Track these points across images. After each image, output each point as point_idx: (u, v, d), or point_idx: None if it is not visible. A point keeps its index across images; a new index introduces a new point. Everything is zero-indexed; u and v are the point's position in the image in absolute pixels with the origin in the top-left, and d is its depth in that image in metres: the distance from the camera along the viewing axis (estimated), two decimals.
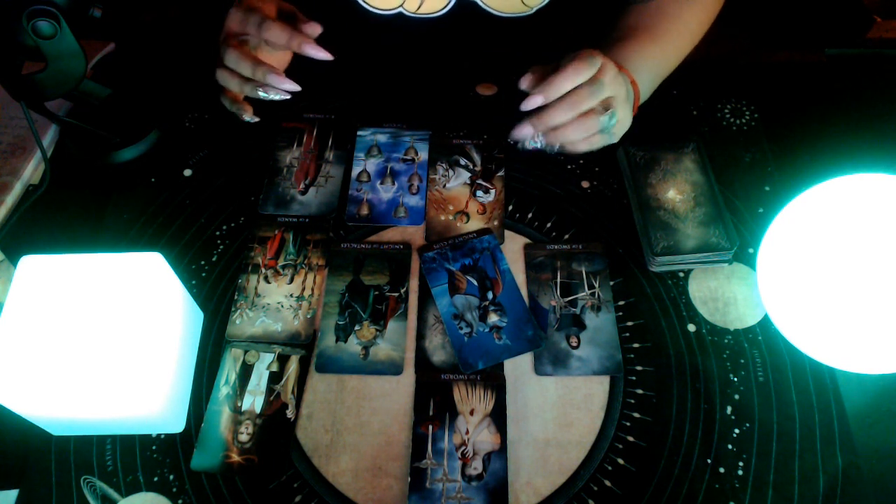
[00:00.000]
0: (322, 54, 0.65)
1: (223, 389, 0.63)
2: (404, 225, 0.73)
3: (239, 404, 0.62)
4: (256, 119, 0.71)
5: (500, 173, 0.76)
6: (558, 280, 0.69)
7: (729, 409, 0.62)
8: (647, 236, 0.69)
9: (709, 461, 0.59)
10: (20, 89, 0.68)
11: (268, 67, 0.65)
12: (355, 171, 0.77)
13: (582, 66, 0.63)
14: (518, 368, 0.64)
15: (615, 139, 0.70)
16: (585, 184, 0.76)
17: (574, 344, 0.65)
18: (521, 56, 0.70)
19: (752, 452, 0.59)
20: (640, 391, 0.63)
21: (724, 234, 0.68)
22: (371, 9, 0.76)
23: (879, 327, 0.57)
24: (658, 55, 0.74)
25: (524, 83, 0.65)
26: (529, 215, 0.74)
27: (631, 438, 0.61)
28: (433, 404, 0.62)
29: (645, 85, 0.73)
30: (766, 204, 0.73)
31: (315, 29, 0.66)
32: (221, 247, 0.72)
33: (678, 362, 0.64)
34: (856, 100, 0.83)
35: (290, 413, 0.62)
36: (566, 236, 0.72)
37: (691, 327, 0.66)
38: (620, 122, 0.68)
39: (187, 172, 0.77)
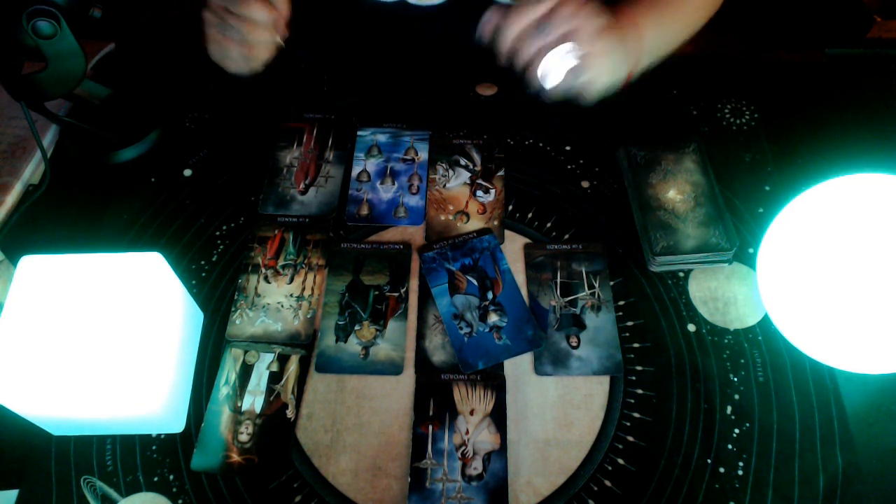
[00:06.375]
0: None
1: (223, 389, 0.63)
2: (404, 225, 0.73)
3: (239, 404, 0.62)
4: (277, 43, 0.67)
5: (500, 173, 0.76)
6: (558, 280, 0.69)
7: (729, 409, 0.62)
8: (647, 236, 0.69)
9: (709, 461, 0.59)
10: (20, 89, 0.68)
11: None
12: (355, 171, 0.77)
13: (521, 12, 0.60)
14: (518, 368, 0.64)
15: (591, 91, 0.64)
16: (585, 184, 0.76)
17: (574, 344, 0.65)
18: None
19: (752, 452, 0.59)
20: (640, 391, 0.63)
21: (724, 235, 0.68)
22: None
23: (879, 327, 0.57)
24: (668, 19, 0.70)
25: (484, 27, 0.63)
26: (529, 215, 0.74)
27: (631, 438, 0.61)
28: (433, 404, 0.62)
29: (649, 41, 0.67)
30: (766, 204, 0.73)
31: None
32: (221, 247, 0.72)
33: (678, 362, 0.64)
34: (856, 100, 0.83)
35: (290, 413, 0.62)
36: (566, 236, 0.72)
37: (691, 327, 0.66)
38: (594, 58, 0.61)
39: (187, 172, 0.77)
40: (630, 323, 0.67)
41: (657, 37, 0.70)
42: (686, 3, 0.73)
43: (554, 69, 0.61)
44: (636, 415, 0.62)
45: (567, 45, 0.60)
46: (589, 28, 0.61)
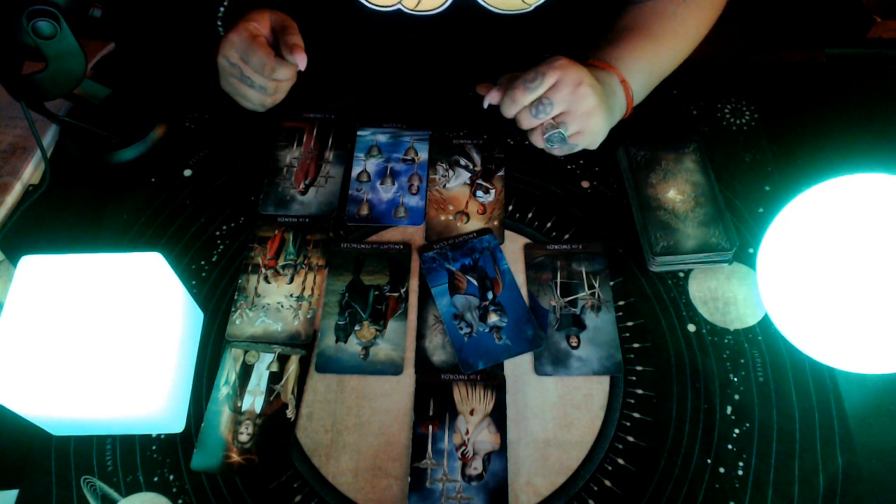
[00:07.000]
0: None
1: (223, 389, 0.63)
2: (404, 225, 0.73)
3: (239, 404, 0.62)
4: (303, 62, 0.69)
5: (500, 173, 0.76)
6: (558, 280, 0.69)
7: (729, 409, 0.62)
8: (647, 236, 0.69)
9: (709, 461, 0.59)
10: (20, 89, 0.68)
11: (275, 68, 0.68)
12: (355, 171, 0.77)
13: (517, 94, 0.66)
14: (518, 368, 0.64)
15: (591, 147, 0.71)
16: (585, 184, 0.76)
17: (574, 344, 0.65)
18: (520, 54, 0.70)
19: (752, 452, 0.59)
20: (640, 391, 0.63)
21: (724, 235, 0.68)
22: (370, 6, 0.76)
23: (879, 327, 0.57)
24: (652, 54, 0.74)
25: (487, 101, 0.70)
26: (529, 215, 0.74)
27: (631, 438, 0.61)
28: (433, 404, 0.62)
29: (638, 84, 0.73)
30: (766, 204, 0.73)
31: (301, 60, 0.68)
32: (221, 247, 0.72)
33: (678, 362, 0.64)
34: (856, 100, 0.83)
35: (290, 413, 0.62)
36: (566, 236, 0.72)
37: (691, 327, 0.66)
38: (586, 132, 0.68)
39: (187, 172, 0.77)
40: (630, 323, 0.67)
41: (646, 79, 0.76)
42: (671, 38, 0.75)
43: (550, 145, 0.69)
44: (636, 415, 0.62)
45: (561, 127, 0.67)
46: (582, 109, 0.67)
